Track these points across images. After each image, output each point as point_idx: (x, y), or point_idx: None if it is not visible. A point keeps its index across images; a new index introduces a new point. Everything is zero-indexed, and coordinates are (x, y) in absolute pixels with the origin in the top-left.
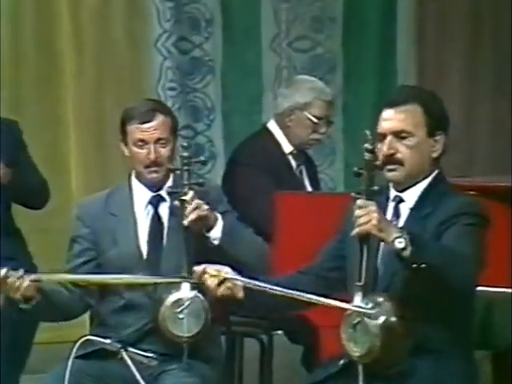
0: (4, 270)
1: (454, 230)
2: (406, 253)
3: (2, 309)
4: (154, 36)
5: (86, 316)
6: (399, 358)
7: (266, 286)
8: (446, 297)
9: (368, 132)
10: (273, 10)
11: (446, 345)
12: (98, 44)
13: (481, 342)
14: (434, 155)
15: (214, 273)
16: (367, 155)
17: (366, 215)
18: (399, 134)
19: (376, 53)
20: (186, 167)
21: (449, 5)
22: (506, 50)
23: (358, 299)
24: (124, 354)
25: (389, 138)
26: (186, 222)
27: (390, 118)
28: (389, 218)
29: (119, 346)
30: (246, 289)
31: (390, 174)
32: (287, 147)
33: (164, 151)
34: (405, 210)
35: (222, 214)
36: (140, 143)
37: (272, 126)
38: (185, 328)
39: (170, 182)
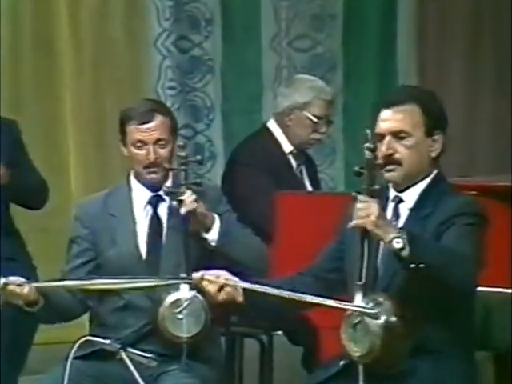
0: (3, 280)
1: (454, 230)
2: (405, 253)
3: (2, 309)
4: (154, 35)
5: (86, 317)
6: (399, 357)
7: (266, 288)
8: (446, 297)
9: (368, 131)
10: (273, 8)
11: (446, 345)
12: (97, 43)
13: (481, 342)
14: (433, 155)
15: (213, 279)
16: (368, 154)
17: (365, 209)
18: (397, 135)
19: (376, 52)
20: (182, 167)
21: (449, 5)
22: (506, 49)
23: (358, 298)
24: (123, 355)
25: (387, 138)
26: (183, 210)
27: (388, 119)
28: (388, 218)
29: (118, 346)
30: (245, 293)
31: (388, 175)
32: (287, 147)
33: (163, 152)
34: (404, 210)
35: (221, 214)
36: (139, 144)
37: (272, 125)
38: (184, 328)
39: (169, 182)
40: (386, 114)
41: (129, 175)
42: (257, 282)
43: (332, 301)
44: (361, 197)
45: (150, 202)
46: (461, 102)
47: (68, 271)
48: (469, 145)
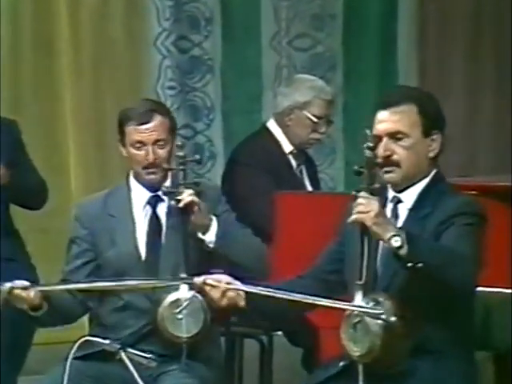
0: (9, 284)
1: (453, 230)
2: (403, 251)
3: (2, 309)
4: (154, 35)
5: (85, 317)
6: (399, 357)
7: (268, 290)
8: (446, 297)
9: (368, 131)
10: (273, 7)
11: (446, 345)
12: (97, 43)
13: (481, 342)
14: (431, 155)
15: (215, 283)
16: (368, 153)
17: (365, 205)
18: (395, 136)
19: (377, 52)
20: (181, 167)
21: (449, 5)
22: (506, 49)
23: (358, 298)
24: (123, 355)
25: (384, 139)
26: (181, 204)
27: (385, 120)
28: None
29: (118, 346)
30: (247, 297)
31: (387, 176)
32: (287, 147)
33: (162, 152)
34: (403, 210)
35: (220, 214)
36: (138, 145)
37: (272, 125)
38: (184, 328)
39: (168, 182)
40: (382, 115)
41: (128, 175)
42: (258, 286)
43: (336, 302)
44: (362, 193)
45: (149, 203)
46: (461, 102)
47: (68, 272)
48: (469, 145)
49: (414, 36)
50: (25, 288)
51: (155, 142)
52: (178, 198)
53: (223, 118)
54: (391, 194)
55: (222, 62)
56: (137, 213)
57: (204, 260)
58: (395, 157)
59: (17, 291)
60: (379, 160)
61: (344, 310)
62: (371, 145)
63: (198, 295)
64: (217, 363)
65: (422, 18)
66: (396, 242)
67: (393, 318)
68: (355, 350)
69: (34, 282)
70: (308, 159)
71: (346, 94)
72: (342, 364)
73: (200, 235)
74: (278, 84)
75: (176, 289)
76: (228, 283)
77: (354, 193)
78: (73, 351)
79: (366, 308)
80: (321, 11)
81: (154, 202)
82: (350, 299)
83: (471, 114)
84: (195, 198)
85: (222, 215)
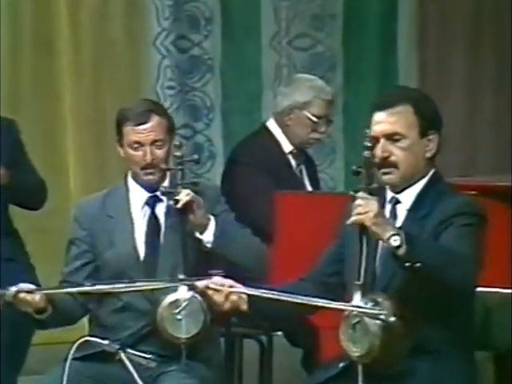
0: (14, 288)
1: (453, 230)
2: (401, 251)
3: (2, 309)
4: (153, 34)
5: (85, 318)
6: (398, 358)
7: (271, 293)
8: (446, 297)
9: (367, 130)
10: (273, 7)
11: (446, 345)
12: (97, 43)
13: (481, 342)
14: (428, 155)
15: (218, 287)
16: (366, 152)
17: (364, 206)
18: (392, 137)
19: (377, 52)
20: (179, 167)
21: (449, 5)
22: (507, 49)
23: (357, 298)
24: (122, 356)
25: (382, 141)
26: (179, 205)
27: (382, 121)
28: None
29: (117, 347)
30: (249, 299)
31: (385, 178)
32: (287, 146)
33: (160, 153)
34: (402, 211)
35: (219, 214)
36: (136, 145)
37: (271, 125)
38: (183, 329)
39: (166, 182)
40: (379, 116)
41: (126, 176)
42: (260, 289)
43: (336, 303)
44: (360, 193)
45: (147, 203)
46: (461, 102)
47: (68, 273)
48: (469, 145)
49: (413, 36)
50: (30, 292)
51: (153, 142)
52: (176, 198)
53: (223, 117)
54: (389, 194)
55: (221, 61)
56: (135, 213)
57: (202, 260)
58: (393, 158)
59: (22, 295)
60: (377, 160)
61: (343, 310)
62: (369, 144)
63: (197, 296)
64: (216, 363)
65: (422, 18)
66: (395, 241)
67: (392, 319)
68: (354, 351)
69: (34, 282)
70: (308, 159)
71: (346, 93)
72: (341, 365)
73: (198, 235)
74: (278, 84)
75: (175, 289)
76: (231, 286)
77: (351, 193)
78: (72, 352)
79: (365, 308)
80: (321, 11)
81: (152, 203)
82: (349, 300)
83: (471, 114)
84: (193, 196)
85: (221, 215)
